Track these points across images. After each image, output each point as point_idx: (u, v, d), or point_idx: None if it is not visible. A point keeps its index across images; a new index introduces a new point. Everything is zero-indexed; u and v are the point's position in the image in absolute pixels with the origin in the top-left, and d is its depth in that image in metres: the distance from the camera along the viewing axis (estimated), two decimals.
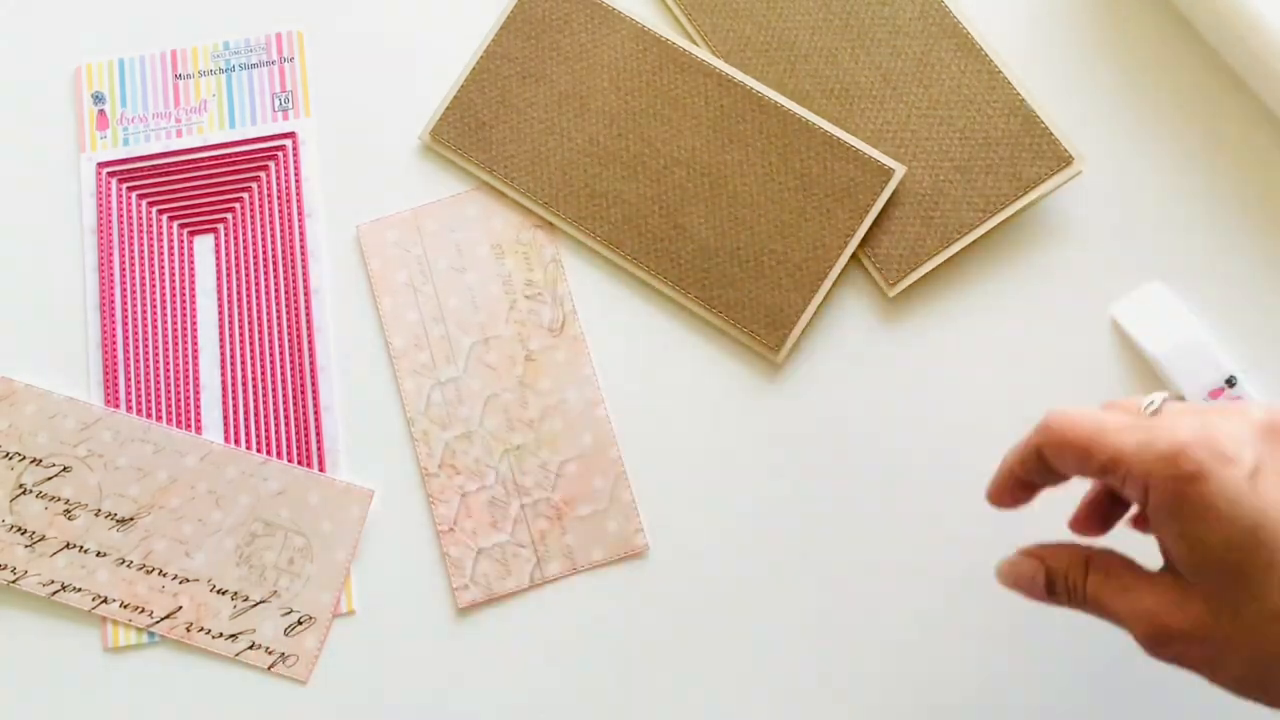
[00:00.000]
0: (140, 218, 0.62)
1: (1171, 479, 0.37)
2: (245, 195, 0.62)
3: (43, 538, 0.58)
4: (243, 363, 0.61)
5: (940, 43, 0.60)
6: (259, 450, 0.59)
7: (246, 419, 0.60)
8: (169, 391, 0.60)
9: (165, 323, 0.61)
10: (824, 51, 0.61)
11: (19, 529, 0.58)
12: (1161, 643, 0.40)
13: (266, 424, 0.60)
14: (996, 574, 0.45)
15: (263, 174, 0.62)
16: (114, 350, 0.61)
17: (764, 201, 0.59)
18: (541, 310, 0.58)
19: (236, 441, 0.60)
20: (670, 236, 0.59)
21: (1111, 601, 0.41)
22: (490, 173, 0.61)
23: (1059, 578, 0.43)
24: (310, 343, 0.61)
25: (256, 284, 0.61)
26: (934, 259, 0.58)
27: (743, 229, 0.59)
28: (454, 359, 0.58)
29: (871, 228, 0.59)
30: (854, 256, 0.59)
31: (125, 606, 0.58)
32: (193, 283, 0.62)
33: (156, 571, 0.58)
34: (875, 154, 0.59)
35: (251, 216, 0.62)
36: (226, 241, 0.62)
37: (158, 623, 0.58)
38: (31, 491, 0.59)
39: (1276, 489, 0.37)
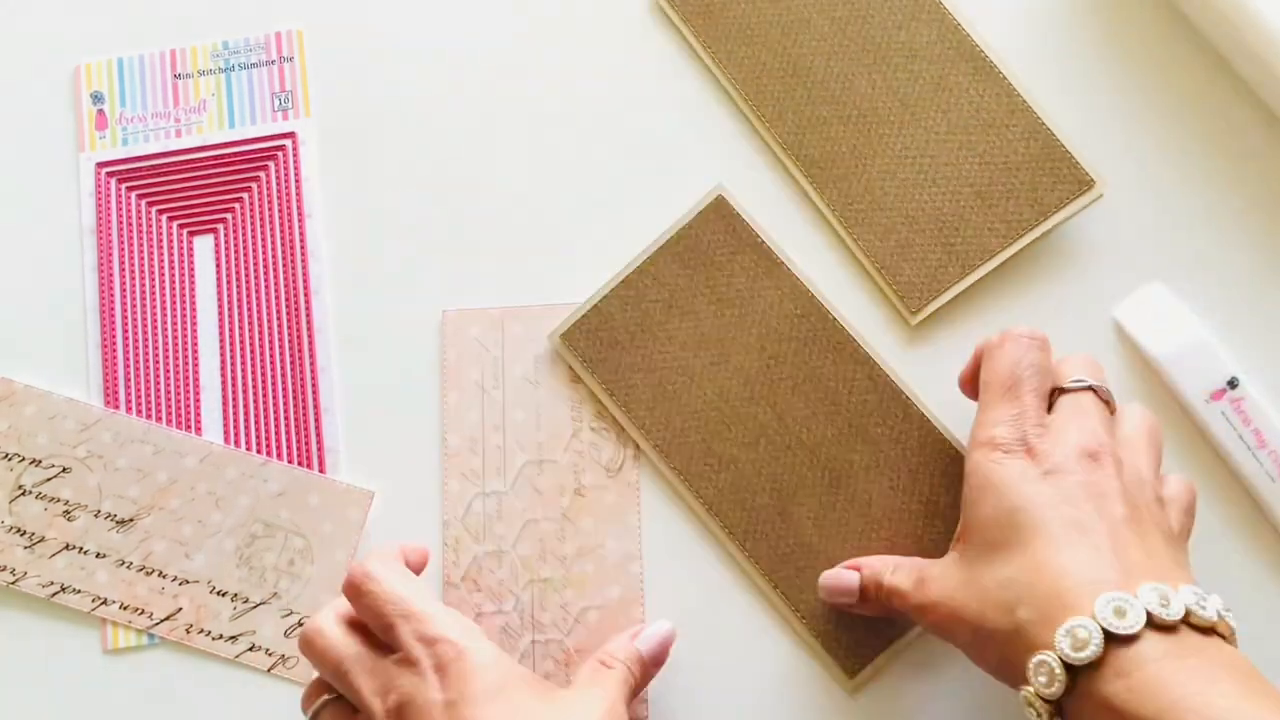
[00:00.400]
0: (140, 218, 0.62)
1: (991, 448, 0.47)
2: (245, 195, 0.62)
3: (42, 539, 0.58)
4: (243, 363, 0.60)
5: (958, 66, 0.60)
6: (259, 451, 0.59)
7: (246, 420, 0.60)
8: (169, 392, 0.60)
9: (165, 323, 0.61)
10: (840, 77, 0.61)
11: (18, 530, 0.58)
12: (917, 602, 0.48)
13: (266, 425, 0.60)
14: (820, 591, 0.53)
15: (263, 174, 0.62)
16: (114, 351, 0.61)
17: (880, 516, 0.56)
18: (604, 447, 0.55)
19: (236, 442, 0.59)
20: (773, 522, 0.56)
21: (900, 584, 0.49)
22: (609, 394, 0.57)
23: (870, 583, 0.51)
24: (310, 343, 0.61)
25: (256, 284, 0.61)
26: (955, 286, 0.58)
27: (850, 540, 0.55)
28: (504, 473, 0.56)
29: (893, 254, 0.58)
30: (876, 283, 0.59)
31: (125, 608, 0.58)
32: (193, 283, 0.62)
33: (156, 573, 0.58)
34: None
35: (251, 216, 0.62)
36: (226, 242, 0.62)
37: (157, 624, 0.58)
38: (31, 492, 0.59)
39: (1059, 492, 0.45)
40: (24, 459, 0.59)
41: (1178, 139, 0.60)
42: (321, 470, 0.59)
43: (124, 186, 0.62)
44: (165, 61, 0.64)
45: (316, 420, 0.60)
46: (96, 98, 0.63)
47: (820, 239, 0.60)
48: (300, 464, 0.59)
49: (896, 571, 0.50)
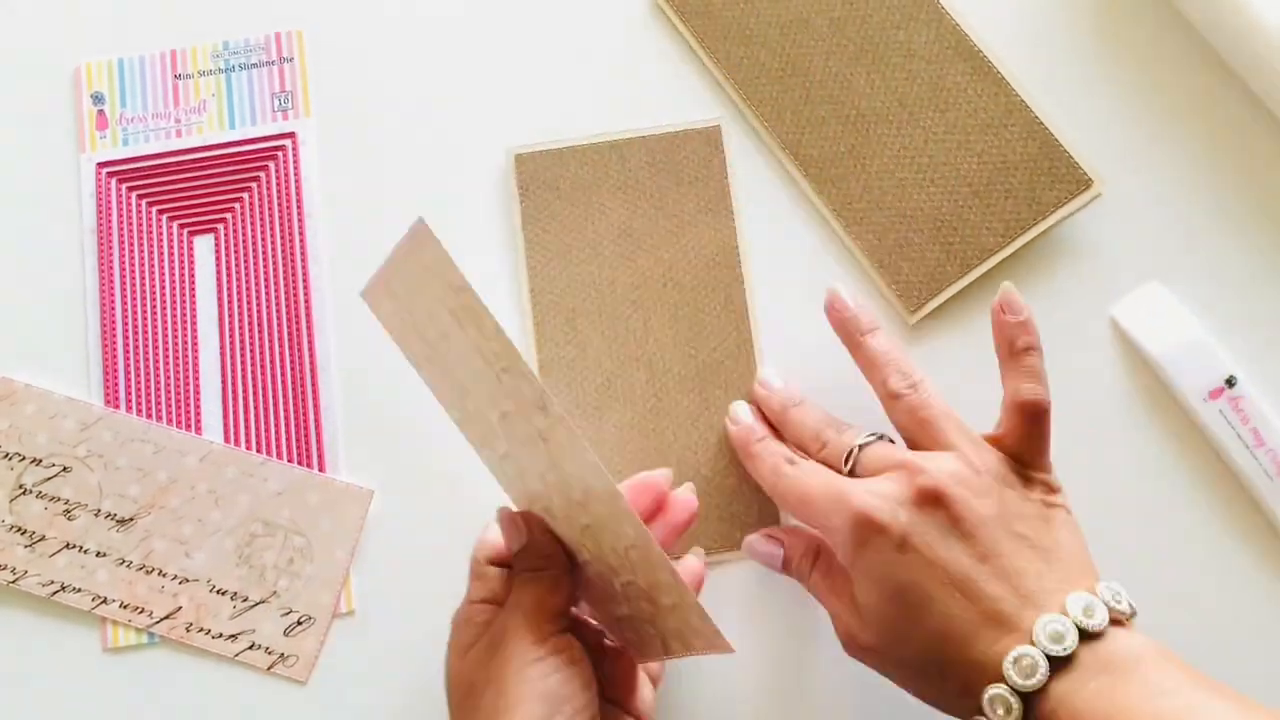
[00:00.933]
0: (140, 218, 0.62)
1: (843, 529, 0.47)
2: (245, 195, 0.62)
3: (43, 538, 0.58)
4: (243, 363, 0.61)
5: (956, 66, 0.60)
6: (259, 450, 0.59)
7: (246, 419, 0.60)
8: (169, 391, 0.60)
9: (165, 323, 0.61)
10: (839, 77, 0.61)
11: (19, 529, 0.58)
12: (851, 649, 0.49)
13: (266, 424, 0.60)
14: (743, 546, 0.55)
15: (262, 174, 0.62)
16: (114, 350, 0.61)
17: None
18: (521, 386, 0.43)
19: (236, 441, 0.60)
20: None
21: (825, 598, 0.51)
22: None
23: (792, 561, 0.53)
24: (310, 343, 0.61)
25: (256, 284, 0.61)
26: (954, 285, 0.58)
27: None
28: (495, 435, 0.48)
29: (891, 253, 0.59)
30: (875, 282, 0.59)
31: (125, 607, 0.58)
32: (193, 283, 0.62)
33: (156, 572, 0.58)
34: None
35: (251, 216, 0.62)
36: (226, 242, 0.62)
37: (157, 623, 0.58)
38: (31, 491, 0.59)
39: (916, 555, 0.46)
40: (24, 458, 0.59)
41: (1176, 138, 0.60)
42: (321, 469, 0.59)
43: (124, 186, 0.63)
44: (165, 62, 0.64)
45: (316, 419, 0.60)
46: (97, 98, 0.64)
47: (819, 238, 0.60)
48: (300, 463, 0.59)
49: (821, 589, 0.52)
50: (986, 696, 0.44)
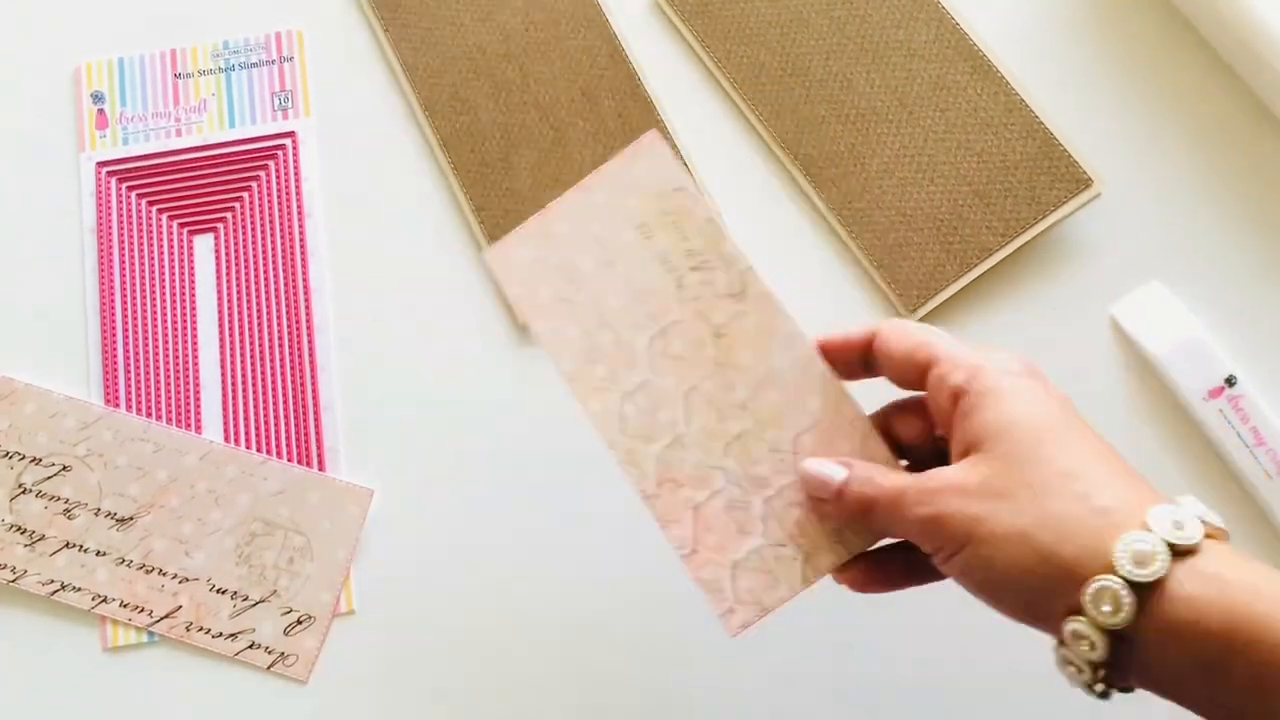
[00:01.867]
0: (140, 217, 0.62)
1: (997, 374, 0.42)
2: (245, 195, 0.62)
3: (42, 537, 0.58)
4: (243, 362, 0.61)
5: (956, 65, 0.60)
6: (259, 450, 0.59)
7: (246, 418, 0.60)
8: (169, 391, 0.60)
9: (165, 322, 0.61)
10: (839, 76, 0.61)
11: (19, 528, 0.58)
12: (929, 496, 0.41)
13: (266, 423, 0.60)
14: (801, 471, 0.46)
15: (262, 174, 0.62)
16: (114, 350, 0.61)
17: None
18: (715, 278, 0.49)
19: (236, 441, 0.60)
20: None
21: (895, 486, 0.43)
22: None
23: (856, 487, 0.44)
24: (310, 343, 0.61)
25: (256, 284, 0.61)
26: (953, 284, 0.58)
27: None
28: (635, 362, 0.50)
29: (891, 252, 0.59)
30: (873, 280, 0.59)
31: (125, 606, 0.58)
32: (193, 282, 0.62)
33: (156, 571, 0.58)
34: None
35: (251, 216, 0.62)
36: (226, 241, 0.62)
37: (157, 622, 0.58)
38: (31, 491, 0.59)
39: (1056, 406, 0.42)
40: (24, 457, 0.59)
41: (1176, 138, 0.60)
42: (321, 468, 0.59)
43: (124, 186, 0.63)
44: (165, 61, 0.64)
45: (316, 419, 0.60)
46: (97, 97, 0.64)
47: (818, 237, 0.60)
48: (300, 462, 0.59)
49: (888, 475, 0.44)
50: (1090, 591, 0.37)
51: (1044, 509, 0.39)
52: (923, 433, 0.46)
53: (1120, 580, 0.37)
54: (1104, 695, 0.39)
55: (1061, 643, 0.39)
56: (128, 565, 0.58)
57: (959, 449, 0.42)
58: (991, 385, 0.42)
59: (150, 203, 0.62)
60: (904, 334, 0.45)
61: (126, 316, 0.61)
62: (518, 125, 0.62)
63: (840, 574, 0.46)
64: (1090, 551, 0.38)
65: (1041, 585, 0.39)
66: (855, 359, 0.46)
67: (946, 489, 0.41)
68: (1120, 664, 0.38)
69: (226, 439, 0.60)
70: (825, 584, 0.46)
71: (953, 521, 0.40)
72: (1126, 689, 0.39)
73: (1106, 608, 0.37)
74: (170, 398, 0.60)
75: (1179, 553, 0.37)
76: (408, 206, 0.62)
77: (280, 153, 0.63)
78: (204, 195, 0.62)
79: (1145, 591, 0.37)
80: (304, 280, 0.61)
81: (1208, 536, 0.38)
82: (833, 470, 0.45)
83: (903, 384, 0.45)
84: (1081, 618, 0.37)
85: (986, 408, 0.42)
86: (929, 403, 0.44)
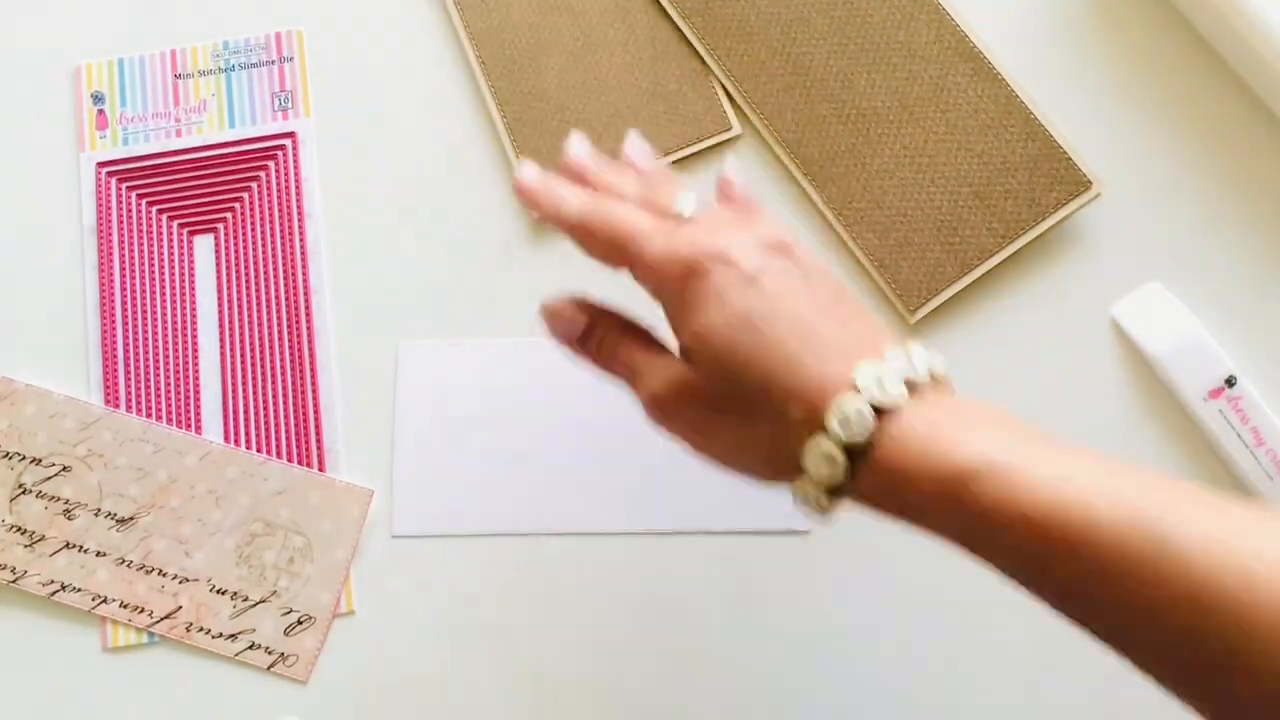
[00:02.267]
0: (140, 217, 0.62)
1: (682, 277, 0.43)
2: (245, 195, 0.62)
3: (42, 537, 0.58)
4: (243, 363, 0.61)
5: (956, 66, 0.60)
6: (259, 450, 0.59)
7: (246, 419, 0.60)
8: (169, 391, 0.60)
9: (165, 323, 0.61)
10: (839, 76, 0.61)
11: (19, 529, 0.58)
12: (666, 403, 0.44)
13: (266, 424, 0.60)
14: (541, 310, 0.48)
15: (263, 174, 0.62)
16: (114, 350, 0.61)
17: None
18: None
19: (236, 441, 0.60)
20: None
21: (633, 357, 0.46)
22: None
23: (595, 331, 0.47)
24: (310, 343, 0.61)
25: (256, 284, 0.61)
26: (954, 286, 0.58)
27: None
28: None
29: (891, 253, 0.59)
30: (875, 281, 0.59)
31: (125, 606, 0.58)
32: (193, 283, 0.62)
33: (156, 571, 0.58)
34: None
35: (251, 216, 0.62)
36: (226, 241, 0.62)
37: (157, 623, 0.58)
38: (31, 491, 0.59)
39: (770, 289, 0.42)
40: (24, 458, 0.59)
41: (1176, 139, 0.60)
42: (321, 469, 0.59)
43: (124, 186, 0.63)
44: (166, 61, 0.64)
45: (316, 419, 0.60)
46: (97, 98, 0.64)
47: (819, 237, 0.60)
48: (300, 463, 0.59)
49: (632, 348, 0.46)
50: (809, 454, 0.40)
51: (751, 427, 0.42)
52: None
53: (833, 442, 0.39)
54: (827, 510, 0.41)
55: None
56: (128, 566, 0.58)
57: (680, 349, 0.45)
58: (679, 292, 0.43)
59: (150, 203, 0.62)
60: (604, 233, 0.46)
61: (126, 317, 0.61)
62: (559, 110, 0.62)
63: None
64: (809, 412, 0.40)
65: (766, 471, 0.43)
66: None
67: (679, 382, 0.44)
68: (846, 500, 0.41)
69: (226, 439, 0.60)
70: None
71: (674, 422, 0.44)
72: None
73: (824, 466, 0.40)
74: (170, 398, 0.60)
75: (883, 412, 0.39)
76: (407, 206, 0.62)
77: (280, 153, 0.63)
78: (204, 195, 0.62)
79: (859, 457, 0.40)
80: (304, 280, 0.61)
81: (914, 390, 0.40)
82: (575, 315, 0.48)
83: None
84: (807, 479, 0.41)
85: (682, 318, 0.43)
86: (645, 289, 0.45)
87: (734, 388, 0.42)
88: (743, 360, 0.42)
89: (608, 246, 0.45)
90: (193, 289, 0.62)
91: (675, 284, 0.43)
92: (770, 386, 0.41)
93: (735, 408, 0.42)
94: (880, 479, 0.39)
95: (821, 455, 0.40)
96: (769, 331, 0.41)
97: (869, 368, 0.40)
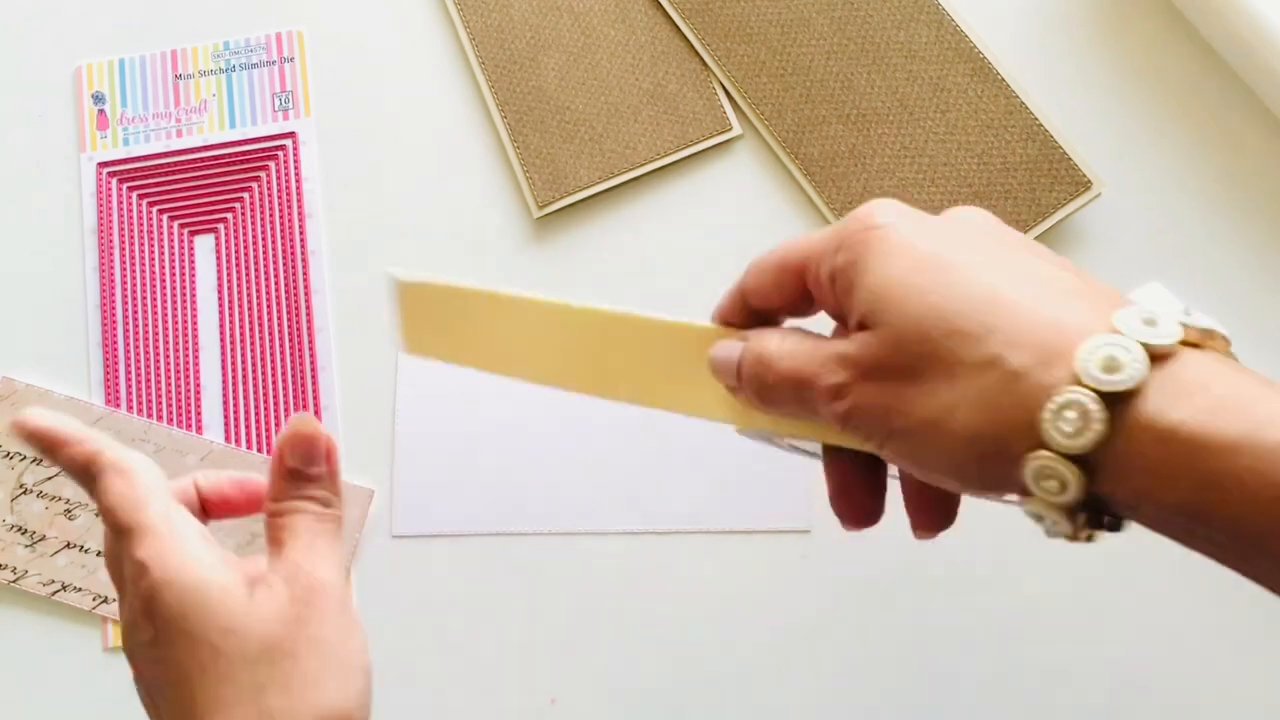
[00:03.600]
0: (140, 218, 0.62)
1: (861, 230, 0.35)
2: (245, 195, 0.62)
3: (43, 537, 0.58)
4: (243, 363, 0.61)
5: (956, 67, 0.60)
6: (259, 450, 0.59)
7: (247, 419, 0.60)
8: (169, 391, 0.60)
9: (165, 323, 0.61)
10: (840, 76, 0.61)
11: (20, 529, 0.58)
12: (845, 389, 0.34)
13: (266, 424, 0.60)
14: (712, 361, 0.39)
15: (263, 174, 0.63)
16: (114, 350, 0.61)
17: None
18: None
19: (237, 441, 0.60)
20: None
21: (815, 348, 0.36)
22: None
23: (752, 359, 0.38)
24: (310, 343, 0.61)
25: (256, 284, 0.61)
26: None
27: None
28: None
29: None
30: None
31: None
32: (193, 282, 0.62)
33: None
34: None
35: (251, 216, 0.62)
36: (226, 241, 0.62)
37: None
38: (32, 491, 0.59)
39: (945, 228, 0.36)
40: (25, 457, 0.59)
41: (1176, 139, 0.60)
42: None
43: (125, 186, 0.63)
44: (166, 62, 0.64)
45: (316, 419, 0.60)
46: (97, 98, 0.64)
47: None
48: None
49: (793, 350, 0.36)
50: (1048, 411, 0.30)
51: (955, 389, 0.32)
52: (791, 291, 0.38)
53: (1086, 390, 0.30)
54: (1090, 539, 0.32)
55: (1027, 493, 0.31)
56: None
57: (847, 323, 0.36)
58: (859, 252, 0.35)
59: (151, 203, 0.62)
60: (761, 263, 0.38)
61: (127, 317, 0.61)
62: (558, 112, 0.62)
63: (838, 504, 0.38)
64: (1030, 398, 0.31)
65: (980, 462, 0.32)
66: (750, 316, 0.39)
67: (847, 365, 0.34)
68: (1100, 500, 0.31)
69: (227, 439, 0.60)
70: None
71: (864, 415, 0.34)
72: (1116, 527, 0.32)
73: (1068, 427, 0.30)
74: (171, 398, 0.60)
75: (1155, 356, 0.30)
76: (407, 206, 0.62)
77: (280, 153, 0.63)
78: (204, 196, 0.62)
79: (1116, 405, 0.30)
80: (304, 280, 0.61)
81: (1192, 344, 0.32)
82: (729, 349, 0.38)
83: (807, 308, 0.38)
84: (1043, 452, 0.30)
85: (856, 277, 0.35)
86: (825, 310, 0.38)
87: (926, 347, 0.32)
88: (934, 305, 0.33)
89: (775, 270, 0.38)
90: (193, 289, 0.62)
91: (851, 238, 0.35)
92: (975, 331, 0.32)
93: (929, 370, 0.32)
94: (1159, 449, 0.30)
95: (1072, 410, 0.30)
96: (967, 268, 0.33)
97: (1126, 311, 0.31)
